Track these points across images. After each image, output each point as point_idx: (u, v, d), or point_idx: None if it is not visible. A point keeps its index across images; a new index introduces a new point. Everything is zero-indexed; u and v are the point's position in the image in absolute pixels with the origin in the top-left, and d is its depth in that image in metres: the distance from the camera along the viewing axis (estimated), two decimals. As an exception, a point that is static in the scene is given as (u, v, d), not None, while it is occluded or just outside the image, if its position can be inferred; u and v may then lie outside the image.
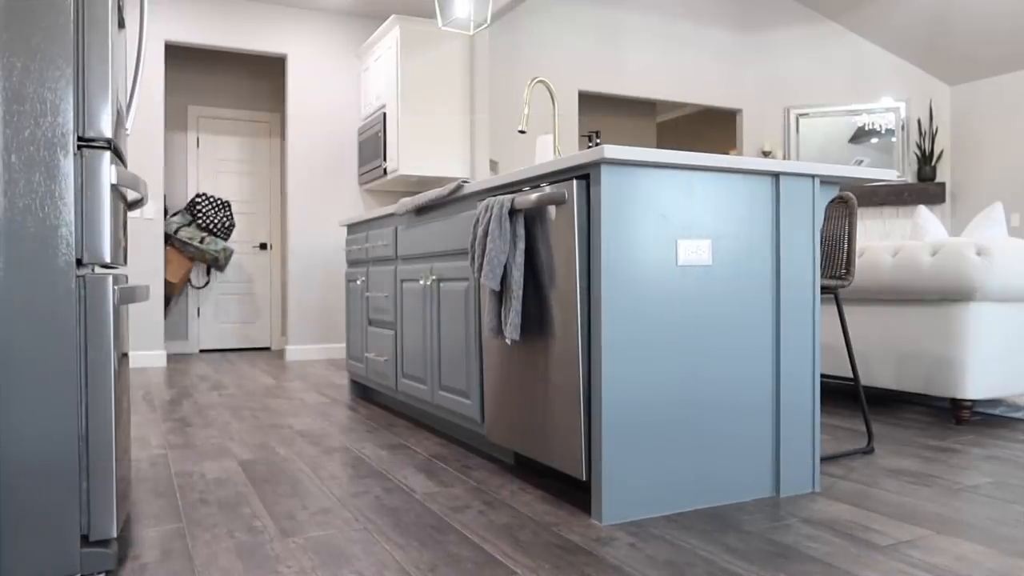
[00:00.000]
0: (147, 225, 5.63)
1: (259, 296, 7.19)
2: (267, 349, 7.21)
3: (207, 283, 6.88)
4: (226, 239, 6.49)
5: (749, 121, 8.07)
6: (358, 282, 3.84)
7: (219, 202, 6.44)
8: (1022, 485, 2.21)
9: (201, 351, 6.93)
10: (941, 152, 7.91)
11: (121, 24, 1.77)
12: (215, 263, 6.29)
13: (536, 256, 2.11)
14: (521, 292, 2.07)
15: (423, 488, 2.23)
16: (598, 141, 7.87)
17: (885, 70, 8.05)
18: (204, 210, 6.34)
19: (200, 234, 6.26)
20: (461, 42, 5.95)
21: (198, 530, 1.87)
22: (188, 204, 6.47)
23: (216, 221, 6.33)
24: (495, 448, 2.62)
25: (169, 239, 6.17)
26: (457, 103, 5.93)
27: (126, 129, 1.87)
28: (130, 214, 5.61)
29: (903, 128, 7.94)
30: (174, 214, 6.52)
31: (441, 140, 5.85)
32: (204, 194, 6.45)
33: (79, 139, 1.51)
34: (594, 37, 7.34)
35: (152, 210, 5.65)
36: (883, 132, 7.96)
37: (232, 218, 6.55)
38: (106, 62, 1.52)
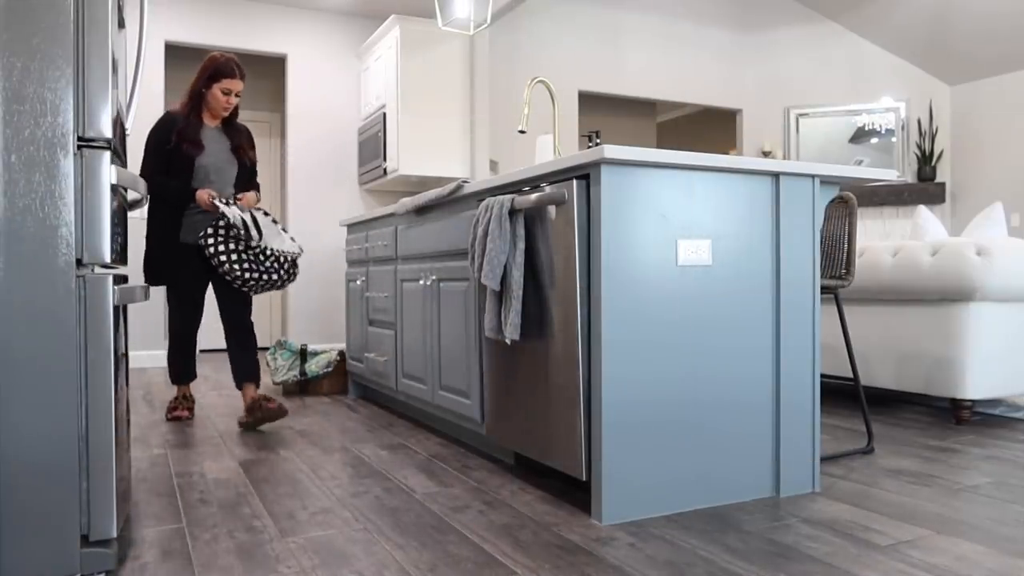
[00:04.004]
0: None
1: (259, 296, 7.19)
2: (267, 349, 7.21)
3: None
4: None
5: (749, 121, 8.07)
6: (358, 282, 3.84)
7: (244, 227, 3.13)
8: (1022, 485, 2.21)
9: (202, 351, 6.93)
10: (941, 152, 7.91)
11: (121, 24, 1.77)
12: None
13: (536, 256, 2.11)
14: (521, 292, 2.07)
15: (423, 488, 2.23)
16: (598, 141, 7.86)
17: (885, 70, 8.05)
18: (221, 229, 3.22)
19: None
20: (461, 42, 5.95)
21: (198, 530, 1.87)
22: None
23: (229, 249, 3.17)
24: (495, 448, 2.62)
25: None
26: (457, 103, 5.93)
27: (126, 129, 1.87)
28: (130, 214, 5.60)
29: (903, 128, 7.94)
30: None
31: (441, 140, 5.85)
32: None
33: (79, 139, 1.51)
34: (594, 37, 7.34)
35: (152, 210, 5.65)
36: (883, 132, 7.96)
37: (265, 266, 3.19)
38: (106, 62, 1.52)
